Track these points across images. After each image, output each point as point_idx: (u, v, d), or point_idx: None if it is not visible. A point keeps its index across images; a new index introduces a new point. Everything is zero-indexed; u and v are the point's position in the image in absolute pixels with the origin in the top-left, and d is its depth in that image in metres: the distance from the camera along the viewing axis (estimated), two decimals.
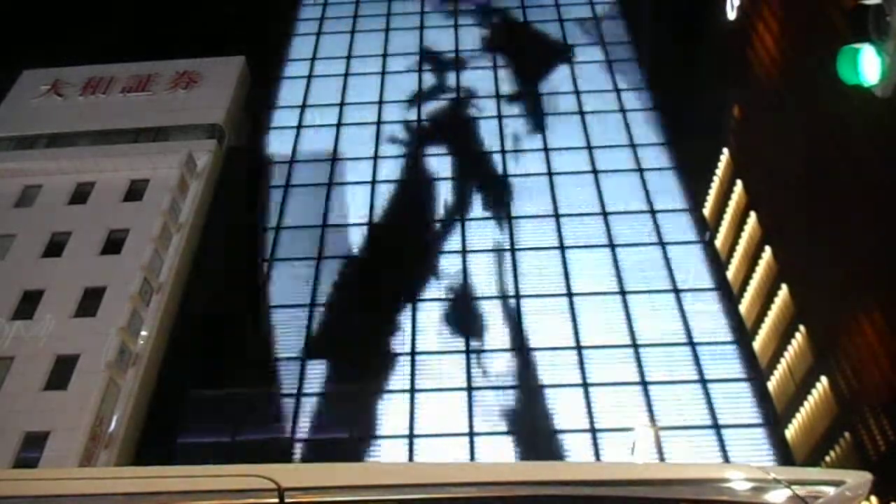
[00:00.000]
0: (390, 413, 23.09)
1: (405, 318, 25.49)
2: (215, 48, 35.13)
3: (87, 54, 34.98)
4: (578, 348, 24.13)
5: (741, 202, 23.98)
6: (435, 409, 23.02)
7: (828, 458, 18.63)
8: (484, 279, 26.63)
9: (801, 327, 19.95)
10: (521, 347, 24.36)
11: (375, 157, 31.63)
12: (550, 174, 30.03)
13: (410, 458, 21.50)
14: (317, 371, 24.48)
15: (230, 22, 36.83)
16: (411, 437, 22.36)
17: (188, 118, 32.29)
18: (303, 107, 34.51)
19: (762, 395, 22.21)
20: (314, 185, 30.68)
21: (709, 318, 24.51)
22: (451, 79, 35.33)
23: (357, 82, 35.69)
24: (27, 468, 20.74)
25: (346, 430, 22.79)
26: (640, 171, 29.75)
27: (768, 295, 21.86)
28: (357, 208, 29.64)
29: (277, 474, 2.22)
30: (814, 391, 19.25)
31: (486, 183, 30.15)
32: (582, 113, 32.62)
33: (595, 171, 29.95)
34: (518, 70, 35.47)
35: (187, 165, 29.92)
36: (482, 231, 28.27)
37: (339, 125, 33.42)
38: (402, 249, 27.80)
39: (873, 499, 15.69)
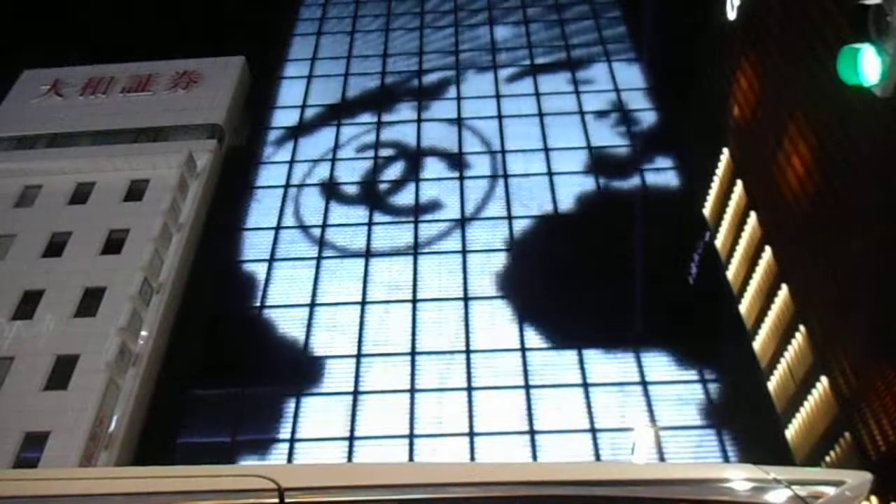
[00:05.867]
0: (390, 413, 23.09)
1: (405, 318, 25.49)
2: (215, 48, 35.21)
3: (87, 54, 35.03)
4: (579, 348, 24.13)
5: (741, 202, 23.98)
6: (436, 409, 23.03)
7: (828, 458, 18.64)
8: (484, 279, 26.63)
9: (801, 327, 19.94)
10: (521, 348, 24.36)
11: (375, 158, 31.63)
12: (550, 174, 30.03)
13: (410, 458, 21.50)
14: (317, 371, 24.48)
15: (230, 22, 36.87)
16: (411, 437, 22.37)
17: (188, 118, 32.32)
18: (303, 107, 34.53)
19: (762, 396, 22.20)
20: (314, 185, 30.69)
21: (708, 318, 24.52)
22: (451, 80, 35.35)
23: (357, 82, 35.72)
24: (27, 468, 20.75)
25: (346, 429, 22.78)
26: (641, 170, 29.74)
27: (768, 295, 21.86)
28: (357, 208, 29.66)
29: (277, 474, 2.22)
30: (814, 391, 19.24)
31: (486, 182, 30.14)
32: (582, 113, 32.63)
33: (595, 172, 29.94)
34: (519, 70, 35.51)
35: (187, 165, 29.93)
36: (483, 231, 28.26)
37: (339, 124, 33.44)
38: (401, 248, 27.81)
39: (873, 499, 15.69)
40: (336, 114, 34.10)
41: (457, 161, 31.16)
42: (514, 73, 35.33)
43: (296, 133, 33.26)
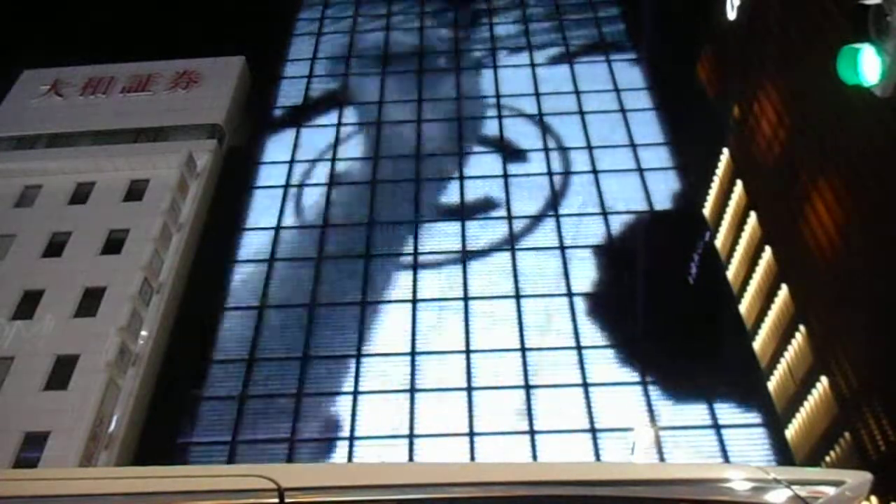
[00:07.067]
0: (390, 412, 23.10)
1: (405, 318, 25.49)
2: (215, 48, 35.18)
3: (87, 54, 35.01)
4: (579, 348, 24.14)
5: (741, 202, 23.97)
6: (435, 409, 23.04)
7: (828, 458, 18.63)
8: (484, 279, 26.63)
9: (801, 327, 19.94)
10: (521, 348, 24.36)
11: (376, 158, 31.64)
12: (550, 174, 30.05)
13: (410, 458, 21.50)
14: (317, 371, 24.48)
15: (230, 22, 36.85)
16: (411, 437, 22.37)
17: (188, 118, 32.31)
18: (303, 107, 34.53)
19: (762, 396, 22.20)
20: (314, 185, 30.71)
21: (709, 319, 24.52)
22: (451, 78, 35.37)
23: (357, 81, 35.75)
24: (27, 468, 20.75)
25: (346, 430, 22.79)
26: (641, 171, 29.75)
27: (768, 295, 21.85)
28: (357, 208, 29.67)
29: (277, 474, 2.22)
30: (814, 391, 19.24)
31: (487, 182, 30.15)
32: (582, 113, 32.65)
33: (595, 171, 29.95)
34: (519, 69, 35.52)
35: (187, 165, 29.93)
36: (482, 231, 28.27)
37: (339, 125, 33.45)
38: (401, 249, 27.82)
39: (873, 499, 15.69)
40: (336, 113, 34.10)
41: (460, 159, 31.19)
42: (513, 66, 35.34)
43: (296, 132, 33.26)
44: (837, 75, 9.44)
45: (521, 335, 24.69)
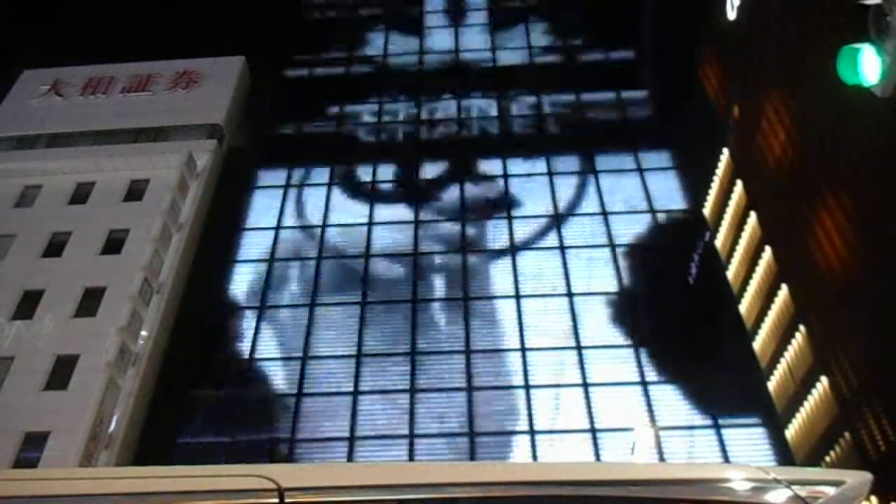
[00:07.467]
0: (390, 413, 23.10)
1: (405, 318, 25.49)
2: (215, 48, 35.14)
3: (87, 54, 34.97)
4: (579, 348, 24.14)
5: (741, 202, 23.97)
6: (434, 410, 23.03)
7: (828, 458, 18.63)
8: (484, 279, 26.64)
9: (801, 327, 19.93)
10: (521, 348, 24.36)
11: (376, 157, 31.64)
12: (550, 174, 30.05)
13: (410, 458, 21.50)
14: (317, 371, 24.48)
15: (230, 22, 36.82)
16: (411, 437, 22.37)
17: (188, 118, 32.28)
18: (303, 106, 34.51)
19: (762, 396, 22.20)
20: (313, 185, 30.71)
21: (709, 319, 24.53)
22: (452, 76, 35.37)
23: (358, 81, 35.74)
24: (27, 468, 20.75)
25: (346, 429, 22.79)
26: (641, 171, 29.75)
27: (768, 295, 21.84)
28: (357, 208, 29.67)
29: (277, 474, 2.23)
30: (814, 391, 19.24)
31: (487, 183, 30.16)
32: (582, 114, 32.67)
33: (595, 172, 29.96)
34: (519, 69, 35.55)
35: (187, 165, 29.92)
36: (482, 231, 28.27)
37: (339, 124, 33.44)
38: (400, 249, 27.81)
39: (873, 499, 15.69)
40: (336, 112, 34.09)
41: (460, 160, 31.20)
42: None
43: (296, 131, 33.26)
44: (837, 75, 9.45)
45: (521, 335, 24.68)
